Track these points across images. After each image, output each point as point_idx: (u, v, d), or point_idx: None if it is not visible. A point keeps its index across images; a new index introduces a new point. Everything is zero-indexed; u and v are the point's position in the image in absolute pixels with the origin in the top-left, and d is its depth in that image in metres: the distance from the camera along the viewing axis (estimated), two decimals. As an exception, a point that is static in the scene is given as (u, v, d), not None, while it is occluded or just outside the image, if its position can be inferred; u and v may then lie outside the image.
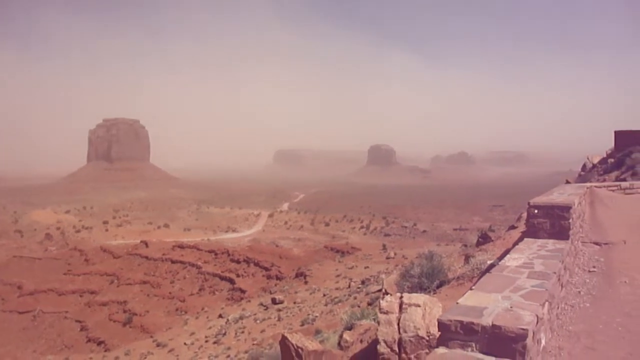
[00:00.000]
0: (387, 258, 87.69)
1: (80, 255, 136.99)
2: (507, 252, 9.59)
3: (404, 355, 7.67)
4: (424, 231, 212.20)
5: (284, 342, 11.19)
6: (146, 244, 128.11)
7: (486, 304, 5.62)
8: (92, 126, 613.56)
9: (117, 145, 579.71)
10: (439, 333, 5.21)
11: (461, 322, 5.11)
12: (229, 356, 42.86)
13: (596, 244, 11.27)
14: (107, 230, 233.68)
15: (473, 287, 6.30)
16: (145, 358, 55.54)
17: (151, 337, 70.49)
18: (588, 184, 17.33)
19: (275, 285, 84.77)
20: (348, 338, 11.10)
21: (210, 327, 61.59)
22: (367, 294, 44.48)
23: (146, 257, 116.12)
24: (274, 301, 63.28)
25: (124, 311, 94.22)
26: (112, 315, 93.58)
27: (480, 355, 4.99)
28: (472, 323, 5.10)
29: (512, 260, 7.86)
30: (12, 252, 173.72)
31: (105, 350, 73.89)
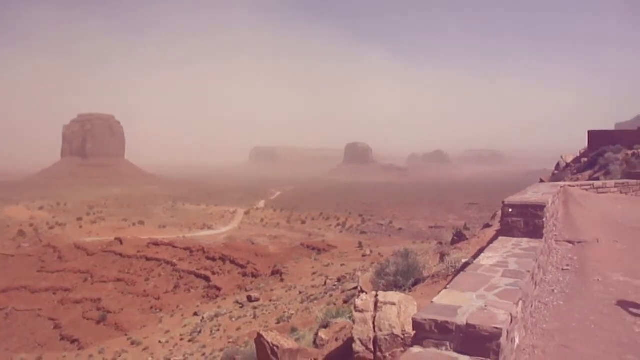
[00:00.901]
0: (363, 256, 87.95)
1: (53, 252, 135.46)
2: (481, 250, 9.63)
3: (379, 353, 7.67)
4: (400, 229, 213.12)
5: (259, 340, 11.15)
6: (121, 241, 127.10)
7: (461, 302, 5.62)
8: (66, 121, 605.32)
9: (91, 141, 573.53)
10: (414, 332, 5.20)
11: (435, 321, 5.11)
12: (204, 354, 42.66)
13: (570, 242, 11.37)
14: (81, 227, 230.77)
15: (448, 286, 6.31)
16: (120, 356, 55.06)
17: (125, 335, 69.94)
18: (562, 183, 17.51)
19: (251, 282, 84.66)
20: (323, 336, 11.09)
21: (185, 325, 61.27)
22: (343, 291, 44.55)
23: (121, 255, 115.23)
24: (249, 299, 63.13)
25: (98, 309, 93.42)
26: (86, 313, 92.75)
27: (455, 354, 4.99)
28: (447, 322, 5.10)
29: (487, 259, 7.89)
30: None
31: (79, 349, 73.13)
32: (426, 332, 5.12)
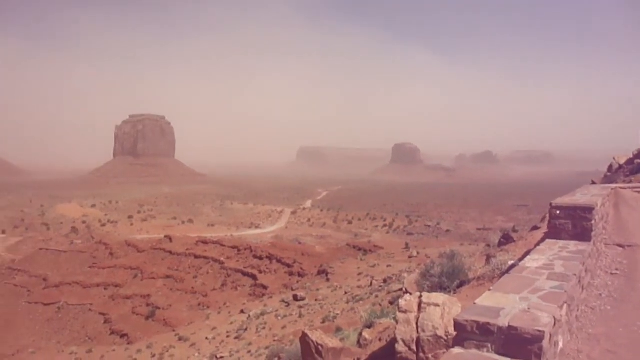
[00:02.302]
0: (410, 257, 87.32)
1: (105, 248, 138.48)
2: (528, 253, 9.54)
3: (421, 354, 7.69)
4: (448, 230, 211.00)
5: (304, 338, 11.27)
6: (170, 238, 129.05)
7: (504, 304, 5.61)
8: (118, 122, 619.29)
9: (142, 141, 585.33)
10: (455, 333, 5.22)
11: (477, 322, 5.12)
12: (249, 351, 43.06)
13: (619, 246, 11.14)
14: (132, 224, 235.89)
15: (491, 288, 6.30)
16: (167, 352, 55.98)
17: (173, 331, 71.02)
18: (613, 185, 17.14)
19: (297, 282, 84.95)
20: (367, 336, 11.14)
21: (231, 323, 61.89)
22: (388, 292, 44.39)
23: (170, 252, 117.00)
24: (295, 298, 63.37)
25: (147, 305, 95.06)
26: (135, 309, 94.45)
27: (496, 356, 4.99)
28: (489, 324, 5.10)
29: (533, 261, 7.83)
30: (39, 244, 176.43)
31: (128, 343, 74.58)
32: (468, 334, 5.13)
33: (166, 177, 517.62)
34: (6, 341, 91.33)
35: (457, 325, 5.19)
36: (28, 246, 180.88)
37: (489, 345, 5.08)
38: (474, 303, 5.64)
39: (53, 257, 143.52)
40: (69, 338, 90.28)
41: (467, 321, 5.14)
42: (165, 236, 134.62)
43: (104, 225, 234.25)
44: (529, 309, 5.53)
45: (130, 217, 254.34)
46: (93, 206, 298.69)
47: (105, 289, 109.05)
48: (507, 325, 5.07)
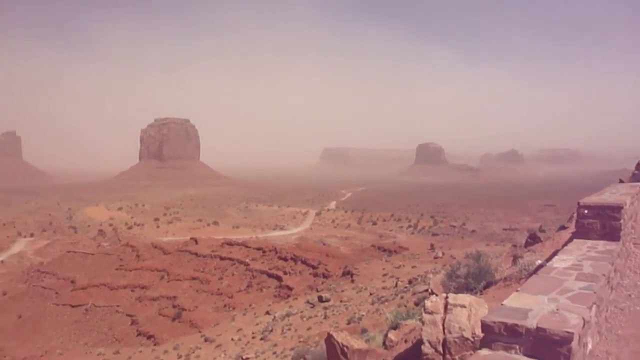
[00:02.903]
0: (435, 258, 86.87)
1: (131, 251, 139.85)
2: (556, 253, 9.43)
3: (448, 356, 7.63)
4: (473, 231, 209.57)
5: (329, 340, 11.27)
6: (196, 240, 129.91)
7: (531, 305, 5.55)
8: (143, 126, 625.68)
9: (167, 144, 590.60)
10: (483, 334, 5.17)
11: (505, 323, 5.07)
12: (275, 352, 43.18)
13: (649, 246, 10.96)
14: (158, 226, 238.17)
15: (519, 289, 6.23)
16: (194, 353, 56.35)
17: (199, 332, 71.45)
18: (642, 184, 16.83)
19: (322, 283, 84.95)
20: (393, 337, 11.09)
21: (257, 324, 62.10)
22: (414, 293, 44.19)
23: (196, 254, 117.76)
24: (320, 299, 63.37)
25: (174, 306, 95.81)
26: (162, 310, 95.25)
27: (524, 358, 4.93)
28: (516, 325, 5.05)
29: (560, 262, 7.74)
30: (66, 247, 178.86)
31: (155, 344, 75.20)
32: (495, 335, 5.09)
33: (191, 179, 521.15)
34: (35, 342, 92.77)
35: (485, 326, 5.15)
36: (56, 249, 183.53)
37: (517, 347, 5.03)
38: (502, 304, 5.59)
39: (80, 260, 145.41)
40: (97, 339, 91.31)
41: (494, 322, 5.09)
42: (191, 238, 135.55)
43: (130, 227, 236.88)
44: (557, 310, 5.46)
45: (156, 219, 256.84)
46: (120, 209, 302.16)
47: (132, 290, 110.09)
48: (535, 326, 5.01)
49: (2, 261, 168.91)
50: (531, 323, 5.06)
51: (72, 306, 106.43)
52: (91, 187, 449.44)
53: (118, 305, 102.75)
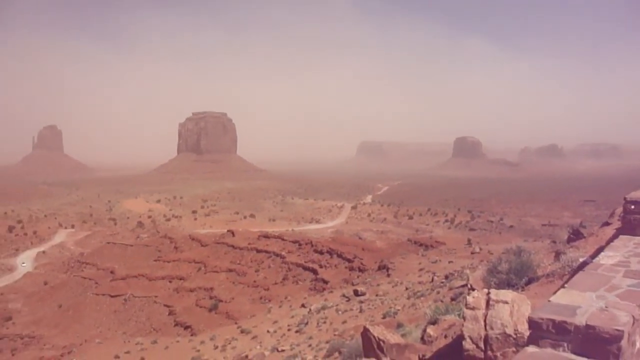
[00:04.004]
0: (472, 253, 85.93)
1: (170, 242, 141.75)
2: (600, 249, 9.18)
3: (489, 352, 7.47)
4: (511, 226, 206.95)
5: (365, 334, 11.16)
6: (233, 233, 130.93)
7: (579, 302, 5.38)
8: (182, 120, 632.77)
9: (205, 137, 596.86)
10: (530, 331, 5.02)
11: (553, 320, 4.91)
12: (310, 345, 43.20)
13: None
14: (195, 219, 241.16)
15: (566, 285, 6.05)
16: (230, 344, 56.72)
17: (236, 323, 71.90)
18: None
19: (358, 277, 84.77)
20: (432, 333, 10.93)
21: (292, 316, 62.25)
22: (450, 289, 43.74)
23: (232, 246, 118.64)
24: (356, 293, 63.22)
25: (210, 297, 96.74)
26: (199, 301, 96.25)
27: (572, 356, 4.78)
28: (565, 322, 4.88)
29: (607, 258, 7.51)
30: (106, 238, 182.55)
31: (192, 335, 75.99)
32: (543, 332, 4.93)
33: (228, 172, 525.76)
34: (74, 331, 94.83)
35: (532, 323, 5.00)
36: (96, 240, 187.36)
37: (565, 345, 4.86)
38: (549, 301, 5.43)
39: (120, 251, 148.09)
40: (135, 329, 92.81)
41: (542, 319, 4.94)
42: (228, 231, 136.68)
43: (168, 219, 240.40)
44: (606, 307, 5.27)
45: (194, 212, 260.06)
46: (158, 201, 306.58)
47: (169, 281, 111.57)
48: (584, 324, 4.84)
49: (44, 252, 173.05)
50: (580, 320, 4.89)
51: (111, 296, 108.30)
52: (131, 180, 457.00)
53: (156, 296, 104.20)
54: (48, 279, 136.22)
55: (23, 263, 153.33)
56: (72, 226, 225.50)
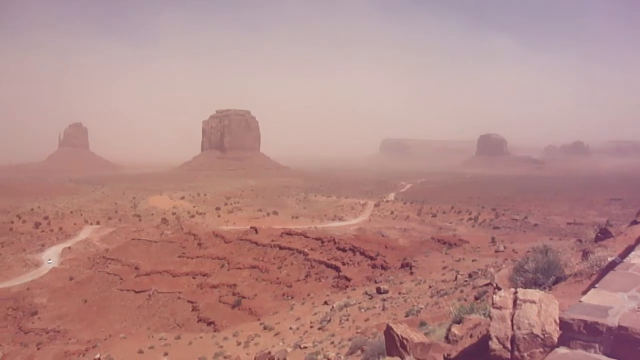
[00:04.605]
0: (496, 251, 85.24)
1: (193, 239, 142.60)
2: (630, 249, 8.96)
3: (516, 353, 7.31)
4: (536, 225, 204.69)
5: (388, 332, 11.04)
6: (256, 230, 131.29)
7: (611, 303, 5.22)
8: (205, 117, 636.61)
9: (229, 135, 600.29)
10: (560, 332, 4.90)
11: (585, 321, 4.77)
12: (332, 342, 43.16)
13: None
14: (219, 216, 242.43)
15: (596, 285, 5.90)
16: (253, 340, 56.91)
17: (258, 320, 72.17)
18: None
19: (380, 274, 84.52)
20: (457, 332, 10.78)
21: (315, 313, 62.29)
22: (474, 287, 43.43)
23: (255, 243, 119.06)
24: (378, 291, 63.04)
25: (234, 294, 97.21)
26: (222, 298, 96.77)
27: (604, 358, 4.65)
28: (597, 323, 4.75)
29: (638, 258, 7.32)
30: (131, 235, 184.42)
31: (215, 331, 76.39)
32: (574, 333, 4.80)
33: (251, 170, 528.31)
34: (99, 326, 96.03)
35: (564, 323, 4.87)
36: (121, 236, 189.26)
37: (597, 346, 4.73)
38: (580, 301, 5.29)
39: (144, 247, 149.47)
40: (159, 324, 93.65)
41: (573, 320, 4.81)
42: (251, 227, 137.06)
43: (192, 216, 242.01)
44: (639, 308, 5.12)
45: (217, 208, 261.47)
46: (182, 198, 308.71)
47: (193, 277, 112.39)
48: (616, 325, 4.70)
49: (69, 247, 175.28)
50: (612, 321, 4.75)
51: (136, 292, 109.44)
52: (155, 177, 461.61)
53: (180, 292, 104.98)
54: (73, 275, 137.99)
55: (49, 260, 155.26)
56: (98, 222, 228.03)
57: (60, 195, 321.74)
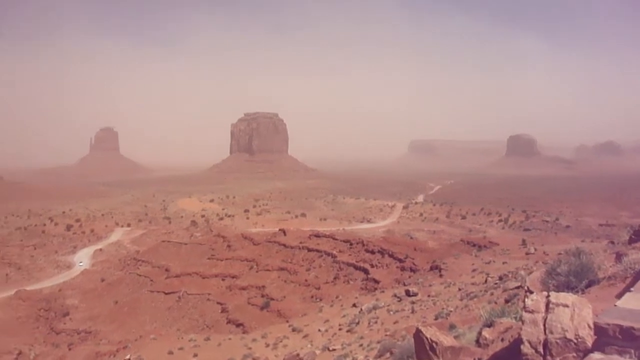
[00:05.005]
0: (527, 254, 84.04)
1: (222, 241, 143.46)
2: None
3: (549, 357, 7.17)
4: (567, 226, 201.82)
5: (418, 335, 10.94)
6: (284, 232, 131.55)
7: (647, 307, 5.09)
8: (234, 120, 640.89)
9: (257, 138, 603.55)
10: (595, 337, 4.79)
11: (620, 326, 4.66)
12: (361, 345, 42.96)
13: None
14: (247, 218, 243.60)
15: (631, 289, 5.75)
16: (281, 342, 56.91)
17: (287, 321, 72.15)
18: None
19: (409, 277, 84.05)
20: (488, 336, 10.64)
21: (344, 316, 62.10)
22: (504, 290, 42.85)
23: (284, 245, 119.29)
24: (407, 293, 62.62)
25: (262, 296, 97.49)
26: (250, 299, 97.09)
27: None
28: (633, 328, 4.63)
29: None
30: (161, 237, 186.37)
31: (244, 332, 76.56)
32: (609, 338, 4.69)
33: (280, 172, 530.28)
34: (130, 327, 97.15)
35: (598, 328, 4.76)
36: (151, 238, 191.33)
37: (632, 352, 4.61)
38: (615, 305, 5.16)
39: (174, 249, 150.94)
40: (188, 326, 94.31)
41: (609, 325, 4.69)
42: (280, 229, 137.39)
43: (221, 218, 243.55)
44: None
45: (246, 211, 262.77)
46: (211, 201, 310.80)
47: (222, 279, 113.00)
48: (653, 330, 4.58)
49: (100, 249, 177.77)
50: (648, 326, 4.63)
51: (166, 293, 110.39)
52: (185, 180, 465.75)
53: (209, 294, 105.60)
54: (105, 276, 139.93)
55: (80, 263, 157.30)
56: (128, 225, 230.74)
57: (91, 198, 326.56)
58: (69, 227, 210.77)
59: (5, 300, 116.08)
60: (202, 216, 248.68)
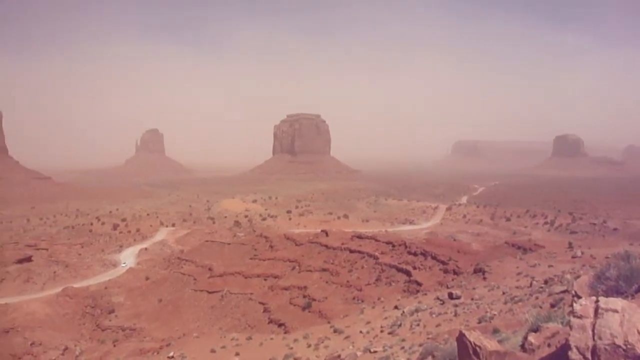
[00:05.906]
0: (573, 257, 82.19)
1: (265, 241, 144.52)
2: None
3: (597, 364, 6.99)
4: (615, 229, 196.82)
5: (461, 338, 10.79)
6: (326, 233, 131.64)
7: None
8: (277, 122, 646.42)
9: (299, 139, 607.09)
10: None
11: (674, 334, 4.49)
12: (403, 347, 42.65)
13: None
14: (290, 219, 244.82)
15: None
16: (323, 343, 56.88)
17: (328, 322, 72.05)
18: None
19: (452, 279, 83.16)
20: (534, 341, 10.41)
21: (385, 318, 61.74)
22: (550, 294, 42.04)
23: (326, 246, 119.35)
24: (450, 296, 61.89)
25: (304, 296, 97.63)
26: (292, 300, 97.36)
27: None
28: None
29: None
30: (205, 236, 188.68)
31: (285, 332, 76.81)
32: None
33: (322, 173, 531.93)
34: (173, 325, 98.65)
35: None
36: (195, 238, 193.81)
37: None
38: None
39: (217, 249, 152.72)
40: (230, 325, 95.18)
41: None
42: (322, 230, 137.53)
43: (264, 219, 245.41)
44: None
45: (288, 211, 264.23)
46: (254, 201, 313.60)
47: (264, 279, 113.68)
48: None
49: (146, 248, 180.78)
50: None
51: (209, 292, 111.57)
52: (228, 181, 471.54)
53: (251, 293, 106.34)
54: (150, 275, 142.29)
55: (123, 263, 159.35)
56: (173, 225, 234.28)
57: (137, 198, 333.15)
58: (115, 227, 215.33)
59: (52, 297, 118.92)
60: (245, 216, 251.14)
